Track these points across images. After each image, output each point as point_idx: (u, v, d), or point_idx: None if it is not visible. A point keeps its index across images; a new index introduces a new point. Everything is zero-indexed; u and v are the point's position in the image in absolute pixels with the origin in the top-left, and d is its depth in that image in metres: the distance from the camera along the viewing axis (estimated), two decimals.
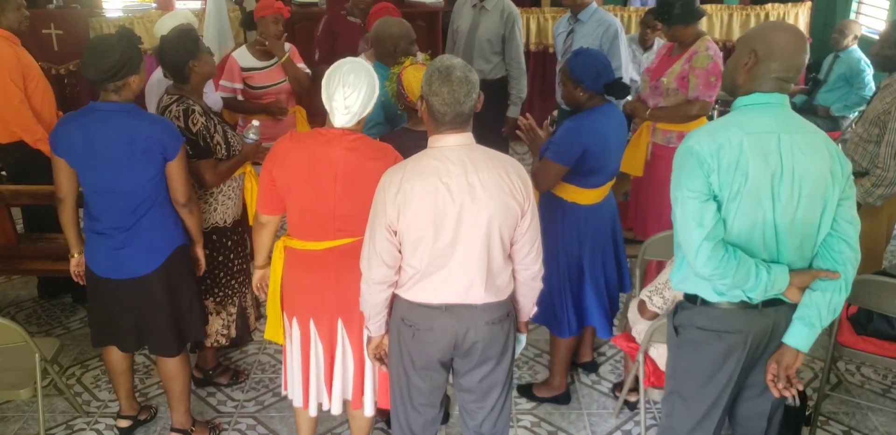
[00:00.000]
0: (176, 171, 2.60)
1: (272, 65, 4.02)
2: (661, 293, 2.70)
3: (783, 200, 1.98)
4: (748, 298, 2.07)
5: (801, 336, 2.09)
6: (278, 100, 4.01)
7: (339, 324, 2.51)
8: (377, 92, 2.34)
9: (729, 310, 2.11)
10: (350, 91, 2.26)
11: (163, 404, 3.23)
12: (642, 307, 2.81)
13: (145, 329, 2.79)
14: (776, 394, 2.15)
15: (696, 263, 2.02)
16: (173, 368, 2.87)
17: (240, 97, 4.04)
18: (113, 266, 2.68)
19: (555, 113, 3.67)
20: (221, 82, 4.01)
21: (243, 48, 4.09)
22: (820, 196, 2.01)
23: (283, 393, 2.72)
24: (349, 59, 2.36)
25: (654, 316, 2.73)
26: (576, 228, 2.97)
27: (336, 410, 2.61)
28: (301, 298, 2.52)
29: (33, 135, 3.62)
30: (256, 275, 2.70)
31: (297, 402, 2.63)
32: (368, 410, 2.63)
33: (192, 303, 2.83)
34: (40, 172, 3.66)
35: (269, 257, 2.61)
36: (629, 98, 5.01)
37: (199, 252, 2.86)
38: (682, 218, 2.02)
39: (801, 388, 2.14)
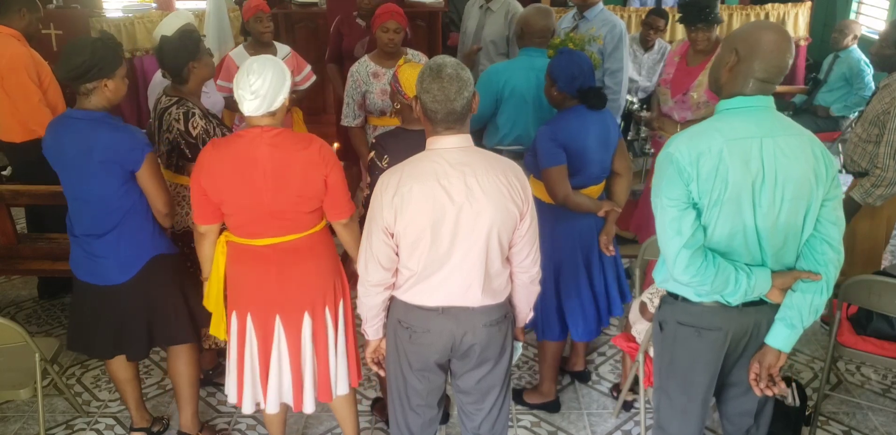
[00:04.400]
0: (147, 182, 2.52)
1: None
2: (661, 295, 2.70)
3: (764, 206, 1.97)
4: (726, 301, 2.07)
5: (782, 337, 2.09)
6: None
7: (277, 321, 2.49)
8: (287, 81, 2.33)
9: (708, 307, 2.11)
10: (255, 78, 2.25)
11: (170, 408, 3.22)
12: (643, 309, 2.81)
13: (123, 336, 2.75)
14: (758, 393, 2.15)
15: (674, 271, 2.03)
16: (183, 365, 2.85)
17: None
18: (90, 271, 2.67)
19: None
20: (219, 82, 4.03)
21: (241, 48, 4.11)
22: (804, 199, 2.00)
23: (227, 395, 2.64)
24: (256, 56, 2.37)
25: None
26: (549, 227, 2.88)
27: (272, 409, 2.58)
28: (241, 293, 2.50)
29: None
30: (205, 287, 2.63)
31: (232, 398, 2.60)
32: (308, 407, 2.58)
33: (172, 310, 2.75)
34: (51, 171, 3.65)
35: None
36: (631, 98, 5.05)
37: None
38: (661, 225, 2.04)
39: (783, 387, 2.14)
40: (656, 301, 2.71)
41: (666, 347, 2.26)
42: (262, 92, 2.26)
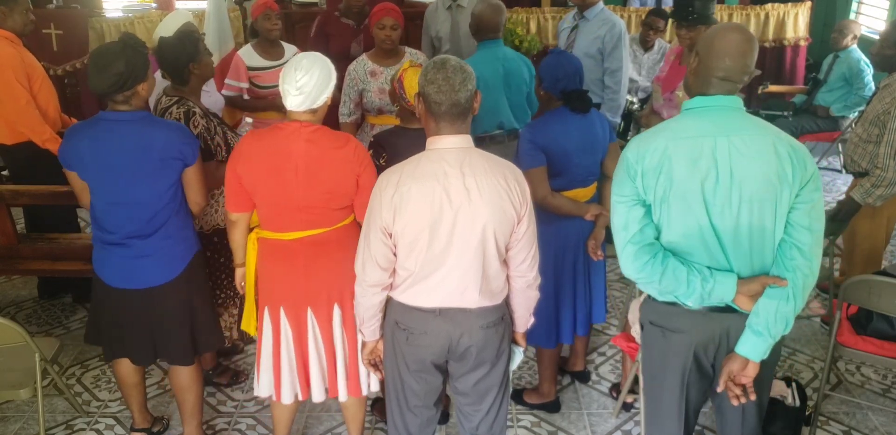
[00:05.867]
0: (195, 174, 2.58)
1: (280, 65, 4.03)
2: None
3: (719, 205, 1.94)
4: (684, 304, 2.04)
5: (748, 344, 2.02)
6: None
7: (309, 313, 2.52)
8: (333, 81, 2.36)
9: (673, 309, 2.08)
10: (302, 74, 2.29)
11: (170, 408, 3.22)
12: None
13: (161, 340, 2.72)
14: (729, 394, 2.09)
15: (621, 265, 2.05)
16: (186, 378, 2.82)
17: (246, 96, 4.06)
18: (127, 276, 2.62)
19: None
20: (227, 81, 4.04)
21: (248, 47, 4.12)
22: (768, 200, 1.94)
23: (254, 388, 2.65)
24: (306, 53, 2.40)
25: None
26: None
27: (318, 397, 2.62)
28: (271, 288, 2.54)
29: (41, 135, 3.63)
30: (238, 273, 2.69)
31: (266, 392, 2.61)
32: (342, 396, 2.63)
33: (210, 310, 2.80)
34: (44, 173, 3.66)
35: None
36: (631, 98, 5.06)
37: None
38: (612, 221, 2.06)
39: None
40: None
41: (645, 347, 2.26)
42: (308, 89, 2.30)
